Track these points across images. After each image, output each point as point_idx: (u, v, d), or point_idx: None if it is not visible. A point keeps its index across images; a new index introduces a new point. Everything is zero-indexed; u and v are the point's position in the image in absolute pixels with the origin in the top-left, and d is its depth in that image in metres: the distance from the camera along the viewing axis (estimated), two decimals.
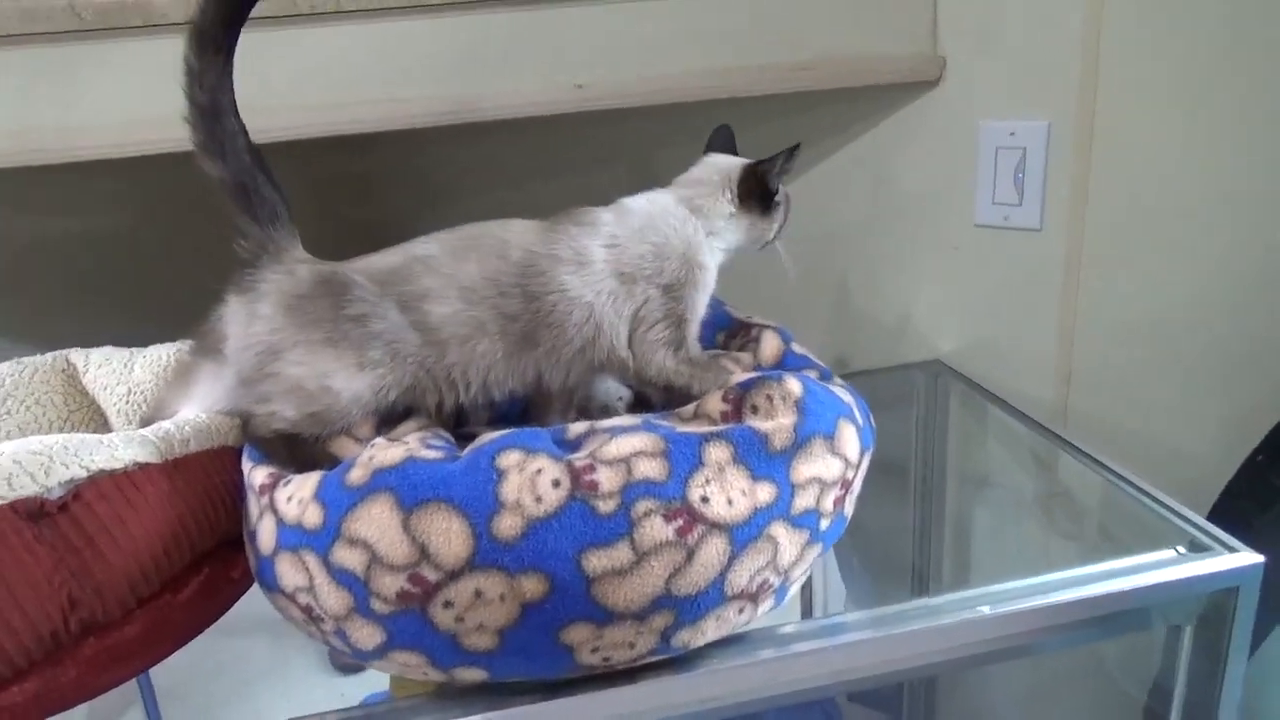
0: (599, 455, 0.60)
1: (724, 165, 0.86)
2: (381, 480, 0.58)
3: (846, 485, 0.70)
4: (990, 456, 1.19)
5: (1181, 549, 0.78)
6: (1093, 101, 1.02)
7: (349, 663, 1.26)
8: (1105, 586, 0.73)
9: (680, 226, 0.79)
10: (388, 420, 0.72)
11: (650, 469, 0.60)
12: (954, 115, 1.11)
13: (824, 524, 0.68)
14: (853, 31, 1.08)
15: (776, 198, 0.85)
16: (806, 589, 1.29)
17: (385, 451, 0.60)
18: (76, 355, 0.92)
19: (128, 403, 0.90)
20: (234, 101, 0.70)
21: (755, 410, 0.67)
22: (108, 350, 0.93)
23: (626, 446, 0.61)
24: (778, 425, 0.65)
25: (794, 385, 0.68)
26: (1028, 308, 1.14)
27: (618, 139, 1.28)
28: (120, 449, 0.66)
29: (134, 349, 0.92)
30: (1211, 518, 0.82)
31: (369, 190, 1.46)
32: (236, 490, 0.70)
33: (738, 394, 0.68)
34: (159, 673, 1.16)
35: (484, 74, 1.04)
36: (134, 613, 0.64)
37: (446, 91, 1.01)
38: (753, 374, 0.71)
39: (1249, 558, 0.75)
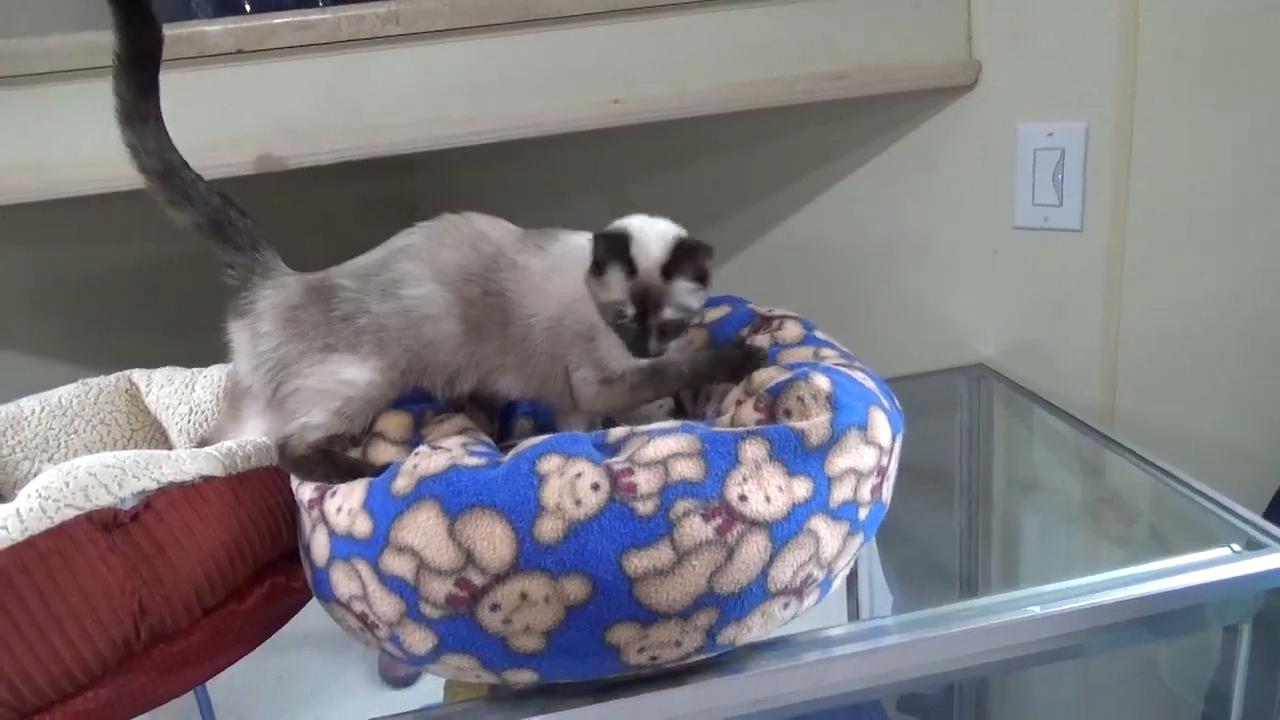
0: (637, 458, 0.61)
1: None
2: (426, 488, 0.60)
3: (882, 472, 0.69)
4: (1036, 459, 1.18)
5: (1236, 547, 0.77)
6: (1131, 100, 1.02)
7: (400, 676, 1.28)
8: (1157, 585, 0.72)
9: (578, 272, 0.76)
10: (421, 421, 0.74)
11: (687, 469, 0.61)
12: (991, 118, 1.11)
13: (863, 513, 0.68)
14: (887, 39, 1.09)
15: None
16: (853, 595, 1.29)
17: (429, 460, 0.62)
18: (139, 376, 0.96)
19: (189, 422, 0.93)
20: (178, 156, 0.76)
21: (789, 415, 0.68)
22: (169, 371, 0.96)
23: (664, 448, 0.62)
24: (814, 423, 0.65)
25: (822, 381, 0.68)
26: (1070, 309, 1.13)
27: (655, 152, 1.29)
28: (187, 463, 0.69)
29: (195, 369, 0.95)
30: (1268, 516, 0.81)
31: (411, 211, 1.49)
32: (295, 505, 0.73)
33: (769, 401, 0.69)
34: (215, 688, 1.20)
35: (522, 92, 1.06)
36: (200, 621, 0.66)
37: (487, 110, 1.04)
38: (780, 376, 0.71)
39: None
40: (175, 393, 0.94)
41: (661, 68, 1.07)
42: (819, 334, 0.85)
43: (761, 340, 0.86)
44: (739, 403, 0.73)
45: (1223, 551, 0.77)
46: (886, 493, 0.71)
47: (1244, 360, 1.03)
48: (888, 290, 1.25)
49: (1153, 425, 1.11)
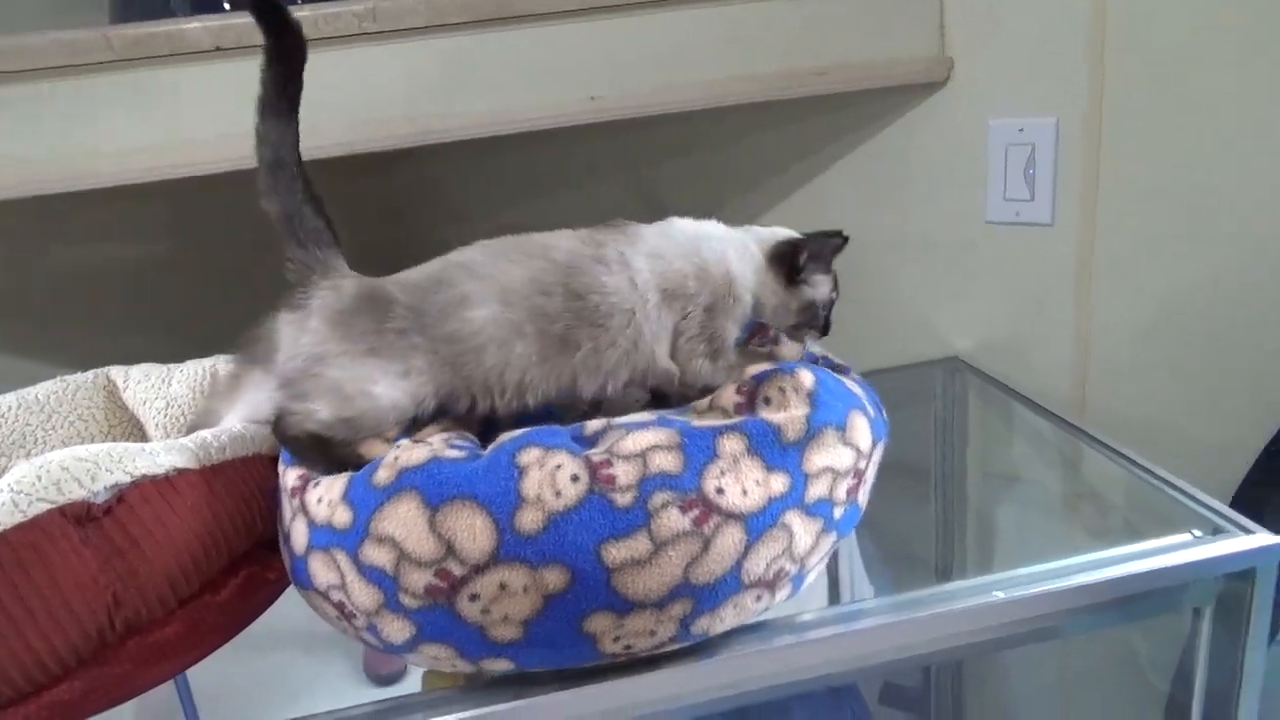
0: (616, 450, 0.62)
1: (780, 231, 0.87)
2: (408, 480, 0.60)
3: (859, 475, 0.71)
4: (1010, 451, 1.20)
5: (1198, 532, 0.79)
6: (1099, 96, 1.03)
7: (384, 674, 1.28)
8: (1119, 570, 0.74)
9: (722, 251, 0.80)
10: (415, 423, 0.74)
11: (666, 462, 0.62)
12: (963, 114, 1.13)
13: (838, 513, 0.69)
14: (863, 36, 1.10)
15: (801, 276, 0.83)
16: (833, 588, 1.30)
17: (410, 452, 0.62)
18: (116, 372, 0.96)
19: (166, 416, 0.93)
20: (298, 156, 0.77)
21: (768, 402, 0.69)
22: (146, 367, 0.96)
23: (642, 441, 0.63)
24: (790, 416, 0.67)
25: (806, 377, 0.70)
26: (1042, 303, 1.15)
27: (634, 148, 1.30)
28: (161, 455, 0.69)
29: (171, 365, 0.95)
30: (1234, 504, 0.83)
31: (393, 208, 1.49)
32: (271, 495, 0.73)
33: (751, 386, 0.70)
34: (198, 687, 1.20)
35: (500, 89, 1.06)
36: (175, 612, 0.67)
37: (464, 107, 1.04)
38: (767, 366, 0.72)
39: (1265, 539, 0.76)
40: (152, 388, 0.94)
41: (639, 64, 1.07)
42: (814, 348, 0.87)
43: (760, 351, 0.87)
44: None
45: (1184, 537, 0.79)
46: (863, 496, 0.72)
47: (1212, 352, 1.06)
48: (864, 284, 1.26)
49: (1123, 417, 1.13)
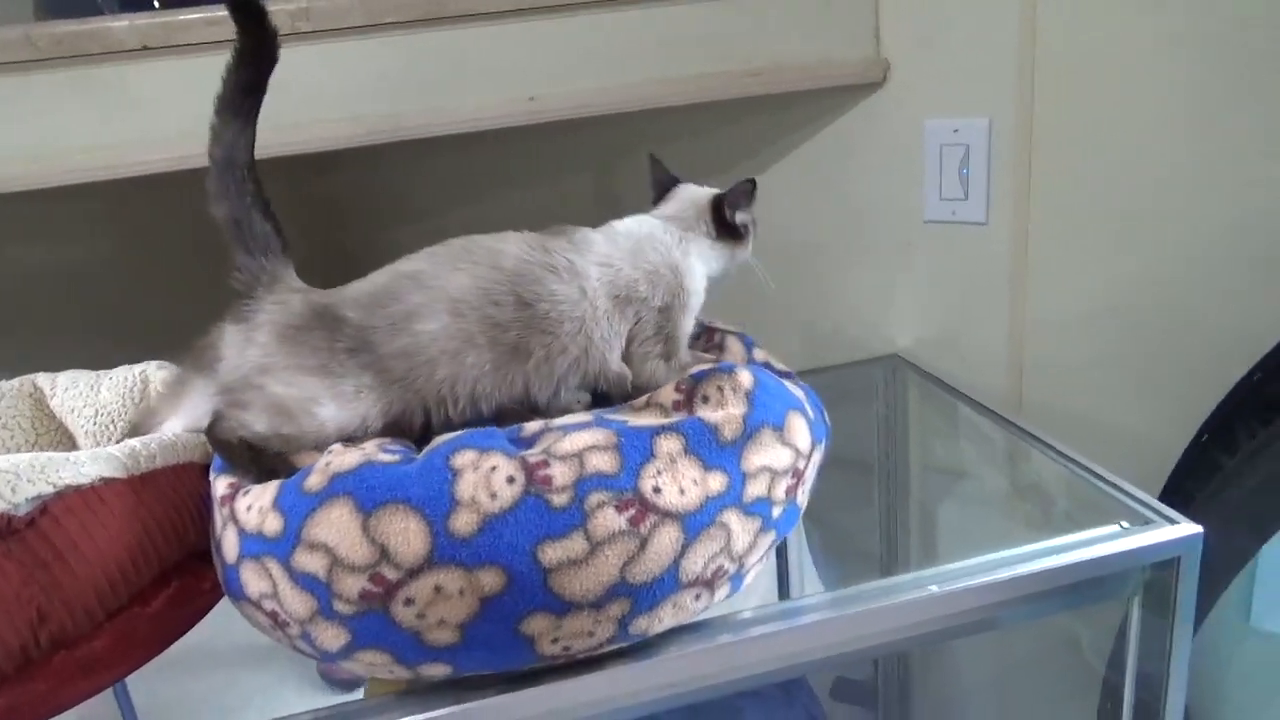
0: (552, 451, 0.62)
1: (696, 196, 0.90)
2: (340, 485, 0.59)
3: (798, 475, 0.72)
4: (950, 447, 1.22)
5: (1125, 524, 0.81)
6: (1031, 97, 1.06)
7: (342, 678, 1.27)
8: (1050, 561, 0.76)
9: (668, 252, 0.82)
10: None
11: (602, 462, 0.62)
12: (899, 115, 1.14)
13: (776, 512, 0.70)
14: (799, 37, 1.11)
15: (741, 226, 0.90)
16: (782, 584, 1.32)
17: (342, 457, 0.62)
18: (43, 379, 0.93)
19: (95, 424, 0.91)
20: (250, 159, 0.76)
21: (706, 400, 0.70)
22: (74, 374, 0.94)
23: (579, 442, 0.63)
24: (727, 415, 0.67)
25: (745, 377, 0.71)
26: (979, 300, 1.17)
27: (576, 149, 1.30)
28: (86, 465, 0.67)
29: (100, 371, 0.93)
30: (1163, 497, 0.85)
31: (332, 210, 1.47)
32: (204, 504, 0.71)
33: (690, 384, 0.71)
34: (144, 701, 1.17)
35: (438, 90, 1.06)
36: (103, 626, 0.65)
37: (401, 108, 1.03)
38: (704, 367, 0.73)
39: (1189, 529, 0.78)
40: (80, 395, 0.92)
41: (576, 65, 1.07)
42: (757, 354, 0.88)
43: (708, 358, 0.87)
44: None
45: (1113, 528, 0.81)
46: (802, 496, 0.73)
47: (1142, 348, 1.09)
48: (805, 284, 1.28)
49: (1058, 411, 1.15)
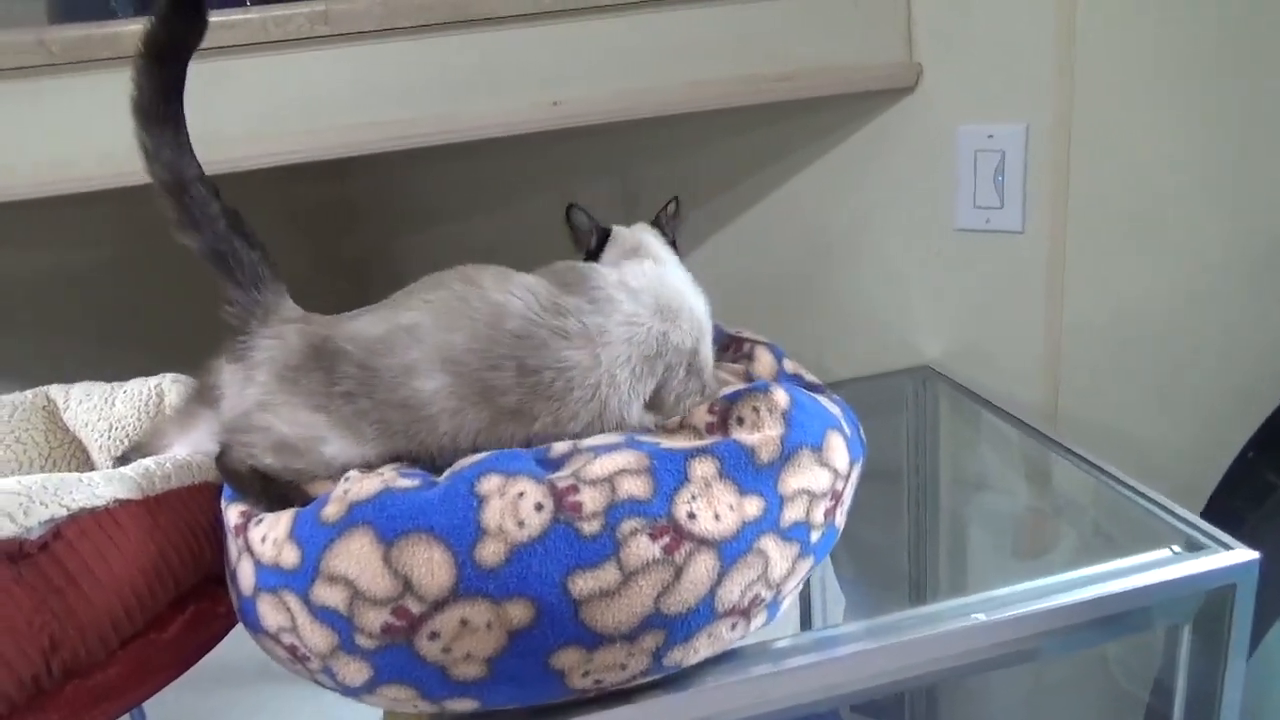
0: (582, 475, 0.59)
1: (641, 230, 0.89)
2: (359, 514, 0.57)
3: (836, 497, 0.69)
4: (982, 461, 1.19)
5: (1177, 548, 0.77)
6: (1069, 101, 1.02)
7: None
8: (1101, 589, 0.72)
9: (685, 291, 0.79)
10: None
11: (635, 487, 0.59)
12: (931, 120, 1.11)
13: (815, 536, 0.67)
14: (829, 41, 1.08)
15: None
16: (805, 600, 1.29)
17: (360, 484, 0.59)
18: (56, 391, 0.91)
19: (109, 438, 0.89)
20: (197, 169, 0.68)
21: (741, 422, 0.67)
22: (88, 386, 0.92)
23: (610, 465, 0.60)
24: (764, 438, 0.64)
25: (781, 397, 0.68)
26: (1013, 310, 1.14)
27: (599, 154, 1.28)
28: (100, 486, 0.65)
29: (115, 384, 0.91)
30: (1206, 516, 0.82)
31: (351, 217, 1.46)
32: (219, 526, 0.69)
33: (724, 405, 0.68)
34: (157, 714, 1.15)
35: (459, 94, 1.03)
36: (116, 653, 0.63)
37: (422, 113, 1.01)
38: (741, 385, 0.70)
39: (1244, 555, 0.75)
40: (94, 408, 0.90)
41: (602, 69, 1.05)
42: (788, 365, 0.85)
43: (736, 368, 0.85)
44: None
45: (1163, 553, 0.77)
46: (840, 518, 0.70)
47: (1183, 361, 1.05)
48: (833, 293, 1.25)
49: (1095, 425, 1.12)
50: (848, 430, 0.73)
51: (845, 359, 1.25)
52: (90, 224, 1.12)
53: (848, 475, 0.70)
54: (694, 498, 0.60)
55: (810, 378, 0.85)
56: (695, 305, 0.79)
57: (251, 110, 0.97)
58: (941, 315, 1.19)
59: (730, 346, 0.90)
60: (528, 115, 1.05)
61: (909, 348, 1.22)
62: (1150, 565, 0.75)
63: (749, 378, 0.84)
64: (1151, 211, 1.02)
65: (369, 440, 0.66)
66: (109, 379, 0.92)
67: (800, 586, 0.69)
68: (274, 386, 0.67)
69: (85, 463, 0.90)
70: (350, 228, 1.50)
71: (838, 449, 0.69)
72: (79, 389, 0.92)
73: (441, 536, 0.55)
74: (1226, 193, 0.97)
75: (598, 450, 0.63)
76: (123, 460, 0.81)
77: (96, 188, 0.93)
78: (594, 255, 0.86)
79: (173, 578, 0.66)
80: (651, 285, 0.77)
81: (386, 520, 0.56)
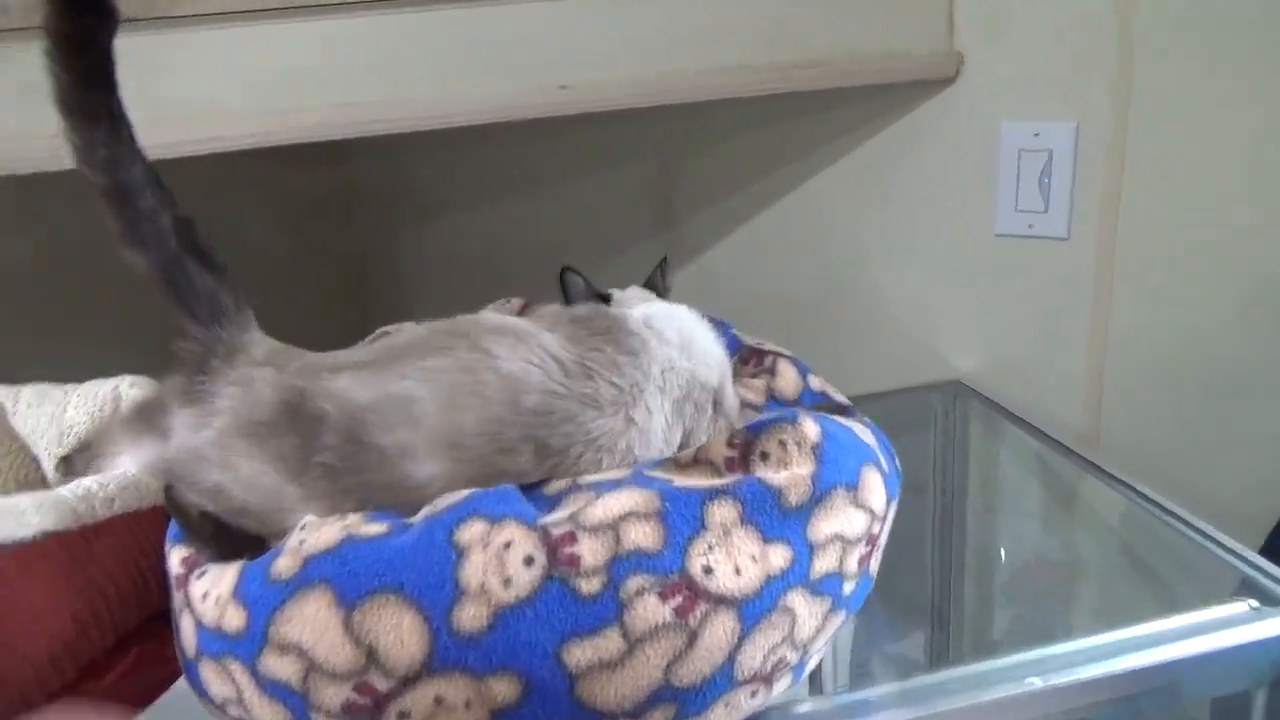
0: (581, 520, 0.51)
1: (637, 288, 0.83)
2: (316, 570, 0.48)
3: (872, 541, 0.61)
4: (1016, 486, 1.10)
5: (1254, 602, 0.68)
6: (1126, 100, 0.93)
7: None
8: (1173, 650, 0.63)
9: (699, 322, 0.72)
10: None
11: (642, 536, 0.50)
12: (972, 115, 1.02)
13: (848, 588, 0.59)
14: (861, 26, 0.99)
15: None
16: None
17: (318, 533, 0.50)
18: (4, 393, 0.83)
19: (60, 446, 0.80)
20: (144, 172, 0.57)
21: (766, 458, 0.58)
22: (40, 388, 0.83)
23: (614, 507, 0.51)
24: (793, 477, 0.56)
25: (811, 428, 0.59)
26: (1054, 324, 1.05)
27: (610, 144, 1.20)
28: (30, 514, 0.57)
29: (69, 386, 0.82)
30: (1265, 554, 0.74)
31: (348, 205, 1.38)
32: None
33: (746, 438, 0.59)
34: None
35: (462, 75, 0.95)
36: (44, 709, 0.55)
37: (409, 94, 0.93)
38: (763, 415, 0.61)
39: None
40: (46, 414, 0.81)
41: (616, 52, 0.96)
42: (814, 381, 0.76)
43: (756, 384, 0.76)
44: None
45: (1239, 607, 0.69)
46: (875, 564, 0.62)
47: (1237, 384, 0.96)
48: (858, 299, 1.16)
49: (1138, 450, 1.03)
50: (885, 464, 0.64)
51: (869, 372, 1.17)
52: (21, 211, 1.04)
53: (884, 516, 0.62)
54: (711, 548, 0.51)
55: (839, 397, 0.77)
56: (712, 338, 0.71)
57: (233, 85, 0.89)
58: (976, 327, 1.10)
59: (750, 359, 0.81)
60: (532, 100, 0.97)
61: (939, 361, 1.13)
62: (1227, 622, 0.66)
63: (770, 393, 0.76)
64: (1210, 222, 0.93)
65: (344, 511, 0.55)
66: (55, 377, 0.84)
67: (828, 645, 0.61)
68: (236, 444, 0.55)
69: (35, 472, 0.82)
70: (348, 217, 1.42)
71: (874, 487, 0.60)
72: (30, 391, 0.83)
73: (413, 597, 0.46)
74: None
75: (600, 487, 0.54)
76: (67, 463, 0.74)
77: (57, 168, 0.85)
78: None
79: (110, 619, 0.58)
80: (674, 321, 0.69)
81: (348, 577, 0.47)
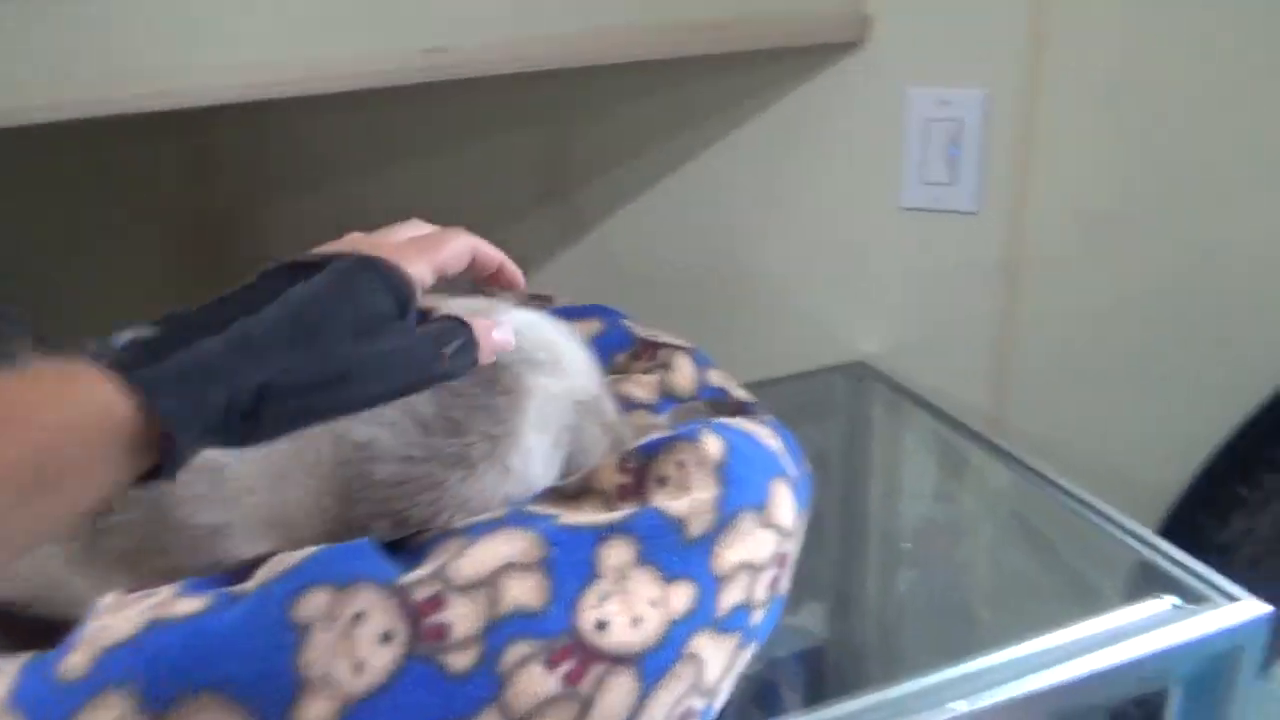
0: (450, 576, 0.42)
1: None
2: (113, 667, 0.38)
3: (783, 562, 0.55)
4: (919, 468, 1.06)
5: (1175, 600, 0.66)
6: (1038, 67, 0.89)
7: None
8: (1097, 660, 0.60)
9: (559, 329, 0.63)
10: None
11: (524, 592, 0.42)
12: (878, 82, 0.96)
13: (756, 618, 0.53)
14: None
15: None
16: None
17: (118, 616, 0.40)
18: None
19: None
20: None
21: (664, 482, 0.51)
22: None
23: (489, 558, 0.43)
24: (695, 504, 0.49)
25: (713, 446, 0.52)
26: (962, 302, 1.00)
27: (491, 112, 1.10)
28: None
29: None
30: (1164, 535, 0.72)
31: (205, 173, 1.26)
32: None
33: (640, 461, 0.52)
34: None
35: (319, 38, 0.84)
36: None
37: (275, 58, 0.81)
38: (660, 433, 0.54)
39: (1254, 607, 0.63)
40: None
41: (493, 11, 0.86)
42: (714, 377, 0.69)
43: (648, 380, 0.69)
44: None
45: (1159, 605, 0.66)
46: (786, 583, 0.56)
47: (1149, 369, 0.94)
48: (756, 279, 1.10)
49: (1045, 432, 1.00)
50: (793, 472, 0.58)
51: (769, 355, 1.11)
52: None
53: (795, 531, 0.56)
54: (605, 598, 0.44)
55: (740, 393, 0.70)
56: (576, 344, 0.62)
57: (74, 51, 0.76)
58: (880, 306, 1.05)
59: (643, 353, 0.74)
60: (398, 64, 0.86)
61: (843, 342, 1.08)
62: (1153, 624, 0.63)
63: (664, 390, 0.69)
64: (1125, 200, 0.90)
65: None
66: None
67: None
68: None
69: None
70: (208, 189, 1.30)
71: (783, 503, 0.55)
72: None
73: (239, 697, 0.38)
74: (1211, 182, 0.85)
75: (473, 530, 0.46)
76: None
77: None
78: None
79: None
80: (539, 335, 0.60)
81: (156, 674, 0.38)
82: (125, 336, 0.35)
